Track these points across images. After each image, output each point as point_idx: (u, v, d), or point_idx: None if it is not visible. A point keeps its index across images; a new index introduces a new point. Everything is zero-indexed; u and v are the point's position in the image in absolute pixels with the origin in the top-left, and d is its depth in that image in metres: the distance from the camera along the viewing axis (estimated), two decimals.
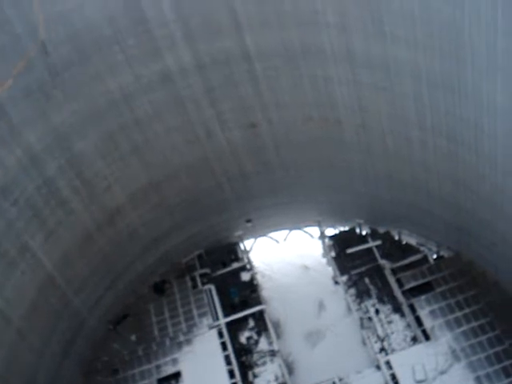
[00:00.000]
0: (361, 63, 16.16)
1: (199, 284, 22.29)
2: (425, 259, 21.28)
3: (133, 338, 21.32)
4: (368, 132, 18.45)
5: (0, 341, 16.20)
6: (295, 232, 25.27)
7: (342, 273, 21.55)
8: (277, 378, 19.72)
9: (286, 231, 25.33)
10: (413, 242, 22.09)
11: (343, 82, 17.08)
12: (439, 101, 15.43)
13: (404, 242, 22.24)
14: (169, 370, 20.20)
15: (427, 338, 19.10)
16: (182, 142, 19.35)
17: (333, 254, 22.36)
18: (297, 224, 24.78)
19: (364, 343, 20.20)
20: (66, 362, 19.43)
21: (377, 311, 20.39)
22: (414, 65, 15.02)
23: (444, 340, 18.87)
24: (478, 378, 17.88)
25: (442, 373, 18.19)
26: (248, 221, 23.25)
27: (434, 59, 14.46)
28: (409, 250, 21.85)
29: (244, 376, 19.92)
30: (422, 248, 21.80)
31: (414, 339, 19.40)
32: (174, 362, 20.35)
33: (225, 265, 22.95)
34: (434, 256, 21.61)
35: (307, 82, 17.68)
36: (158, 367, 20.32)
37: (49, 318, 18.38)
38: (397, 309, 20.24)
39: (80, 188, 18.02)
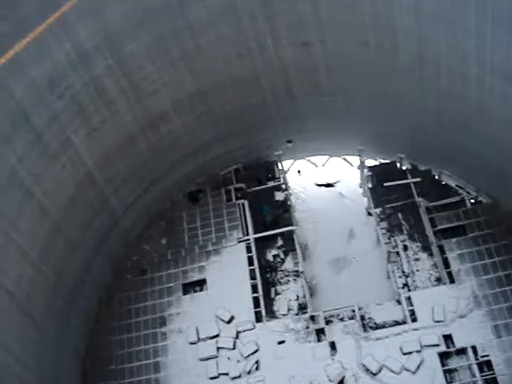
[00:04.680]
0: None
1: (233, 198, 22.53)
2: (462, 202, 21.00)
3: (163, 241, 21.92)
4: (424, 64, 17.81)
5: (37, 231, 16.79)
6: (335, 159, 25.07)
7: (377, 205, 21.47)
8: (298, 298, 20.15)
9: (326, 156, 25.14)
10: (452, 183, 21.73)
11: (404, 7, 16.36)
12: (502, 39, 14.70)
13: (443, 183, 21.91)
14: (195, 276, 20.83)
15: (452, 280, 19.12)
16: (233, 53, 19.07)
17: (370, 184, 22.22)
18: (337, 150, 24.54)
19: (388, 277, 20.36)
20: (97, 257, 20.15)
21: (405, 247, 20.41)
22: None
23: (468, 285, 18.86)
24: (496, 327, 17.93)
25: (462, 316, 18.28)
26: (289, 141, 23.10)
27: None
28: (447, 191, 21.55)
29: (266, 292, 20.42)
30: (460, 191, 21.46)
31: (439, 280, 19.45)
32: (201, 269, 20.93)
33: (260, 182, 23.06)
34: (472, 200, 21.28)
35: (368, 4, 16.99)
36: (184, 272, 20.96)
37: (85, 213, 18.93)
38: (426, 248, 20.20)
39: (127, 89, 18.06)
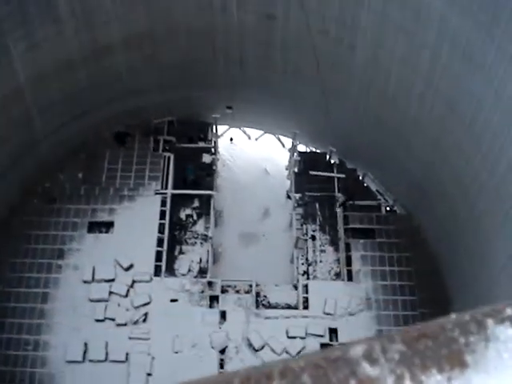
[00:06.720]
0: None
1: (160, 149, 22.22)
2: (378, 207, 21.62)
3: (80, 175, 21.39)
4: (376, 68, 18.08)
5: None
6: (269, 136, 25.15)
7: (297, 190, 21.77)
8: (200, 262, 20.25)
9: (261, 131, 25.18)
10: (373, 187, 22.31)
11: (372, 9, 16.49)
12: (454, 62, 15.12)
13: (365, 185, 22.46)
14: (103, 217, 20.49)
15: (350, 278, 19.75)
16: (194, 5, 18.64)
17: (296, 169, 22.48)
18: (273, 128, 24.63)
19: (292, 261, 20.78)
20: (9, 175, 19.44)
21: (314, 237, 20.85)
22: (444, 18, 14.58)
23: (364, 286, 19.54)
24: (379, 331, 18.67)
25: (351, 314, 18.97)
26: (229, 107, 22.92)
27: (465, 22, 14.05)
28: (367, 193, 22.11)
29: (171, 248, 20.40)
30: (379, 196, 22.08)
31: (338, 275, 20.04)
32: (111, 211, 20.59)
33: (191, 140, 22.85)
34: (388, 208, 21.95)
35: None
36: (94, 211, 20.57)
37: (6, 127, 18.17)
38: (333, 242, 20.72)
39: (79, 12, 17.36)
